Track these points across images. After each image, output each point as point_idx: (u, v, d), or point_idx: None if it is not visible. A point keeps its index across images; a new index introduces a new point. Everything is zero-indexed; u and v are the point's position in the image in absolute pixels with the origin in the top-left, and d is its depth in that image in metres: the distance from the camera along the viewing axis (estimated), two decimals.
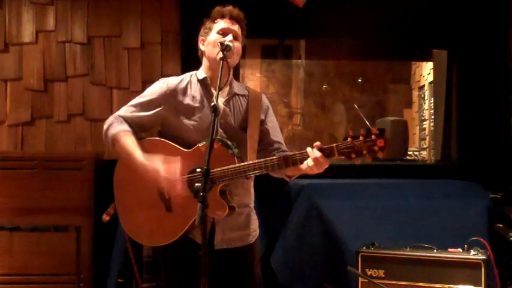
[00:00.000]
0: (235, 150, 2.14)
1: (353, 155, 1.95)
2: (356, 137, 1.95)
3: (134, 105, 2.27)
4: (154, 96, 2.26)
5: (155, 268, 3.36)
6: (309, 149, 2.01)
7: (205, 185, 1.83)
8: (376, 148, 1.92)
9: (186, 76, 2.33)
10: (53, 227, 3.57)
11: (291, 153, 2.06)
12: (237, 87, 2.34)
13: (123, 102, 4.06)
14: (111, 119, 2.25)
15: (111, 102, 4.16)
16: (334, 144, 1.98)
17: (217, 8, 2.28)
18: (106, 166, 3.96)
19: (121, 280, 3.46)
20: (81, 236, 3.54)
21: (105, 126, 2.24)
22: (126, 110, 2.27)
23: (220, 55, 2.13)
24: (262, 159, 2.07)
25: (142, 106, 2.25)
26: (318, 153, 1.98)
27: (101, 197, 3.81)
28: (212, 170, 2.01)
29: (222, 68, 2.11)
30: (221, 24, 2.25)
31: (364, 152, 1.94)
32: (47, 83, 4.13)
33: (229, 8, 2.28)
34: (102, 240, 3.78)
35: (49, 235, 3.61)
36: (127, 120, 2.24)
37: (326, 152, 1.99)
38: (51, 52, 4.13)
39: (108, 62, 4.17)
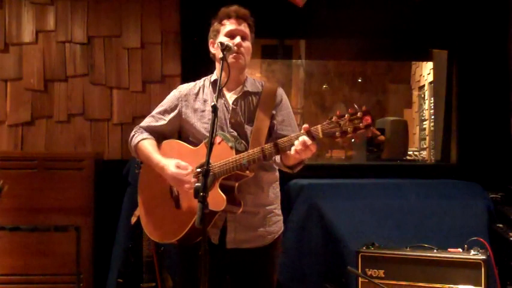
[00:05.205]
0: (238, 145, 2.14)
1: (337, 134, 1.87)
2: (342, 116, 1.88)
3: (153, 115, 2.37)
4: (168, 104, 2.35)
5: (155, 268, 3.36)
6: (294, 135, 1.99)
7: (205, 185, 1.83)
8: (361, 125, 1.83)
9: (200, 81, 2.37)
10: (53, 227, 3.56)
11: (280, 140, 2.03)
12: (250, 85, 2.31)
13: (123, 102, 4.17)
14: (133, 131, 2.36)
15: (111, 102, 4.16)
16: (319, 125, 1.92)
17: (223, 9, 2.27)
18: (106, 166, 3.98)
19: (121, 280, 3.46)
20: (81, 236, 3.53)
21: (129, 140, 2.36)
22: (146, 121, 2.38)
23: (221, 55, 2.12)
24: (252, 150, 2.07)
25: (159, 115, 2.35)
26: (304, 137, 1.94)
27: (101, 197, 3.81)
28: (212, 164, 2.05)
29: (222, 67, 2.13)
30: (228, 26, 2.24)
31: (349, 129, 1.85)
32: (47, 83, 4.13)
33: (234, 7, 2.26)
34: (102, 240, 3.78)
35: (49, 235, 3.61)
36: (146, 129, 2.35)
37: (312, 134, 1.94)
38: (51, 52, 4.13)
39: (108, 62, 4.16)
